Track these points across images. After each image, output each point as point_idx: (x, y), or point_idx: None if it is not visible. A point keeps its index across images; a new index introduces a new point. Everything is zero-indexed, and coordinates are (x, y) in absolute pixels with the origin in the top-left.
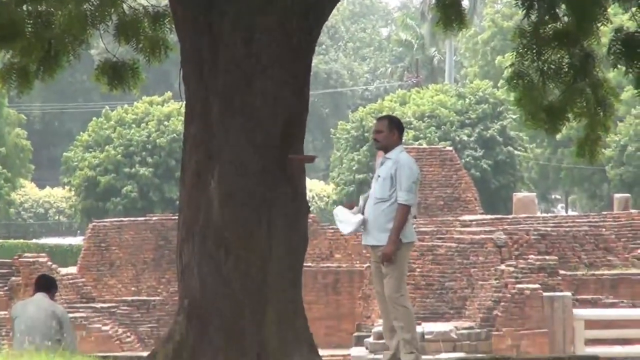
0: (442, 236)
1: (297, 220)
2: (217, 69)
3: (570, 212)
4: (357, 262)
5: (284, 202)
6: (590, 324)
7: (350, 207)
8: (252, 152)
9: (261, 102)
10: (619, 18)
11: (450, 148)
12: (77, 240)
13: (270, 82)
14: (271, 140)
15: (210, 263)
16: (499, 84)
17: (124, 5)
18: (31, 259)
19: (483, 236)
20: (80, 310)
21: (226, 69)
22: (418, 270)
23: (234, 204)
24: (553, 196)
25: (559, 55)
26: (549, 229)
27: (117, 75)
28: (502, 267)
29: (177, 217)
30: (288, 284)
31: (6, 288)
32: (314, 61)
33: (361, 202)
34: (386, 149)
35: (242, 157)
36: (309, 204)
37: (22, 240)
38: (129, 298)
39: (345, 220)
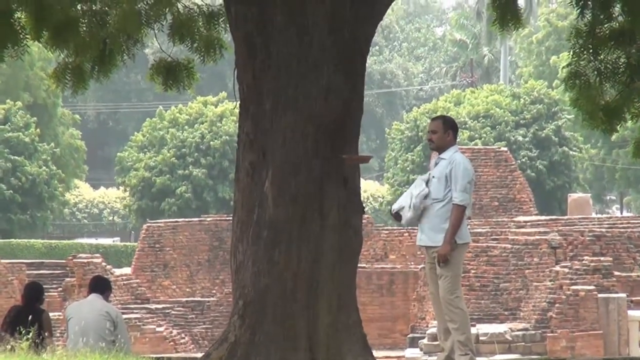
0: (497, 237)
1: (351, 220)
2: (271, 67)
3: (625, 213)
4: (412, 263)
5: (338, 202)
6: None
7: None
8: (306, 151)
9: (315, 100)
10: None
11: (505, 148)
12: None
13: (323, 79)
14: (325, 139)
15: (264, 262)
16: (553, 84)
17: (179, 5)
18: (85, 260)
19: (538, 237)
20: (135, 311)
21: (279, 66)
22: (473, 271)
23: (288, 203)
24: (608, 197)
25: (615, 55)
26: (603, 230)
27: (171, 75)
28: (557, 268)
29: (231, 218)
30: (342, 283)
31: (60, 289)
32: (369, 61)
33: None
34: (440, 149)
35: (296, 156)
36: (364, 205)
37: (76, 241)
38: (183, 299)
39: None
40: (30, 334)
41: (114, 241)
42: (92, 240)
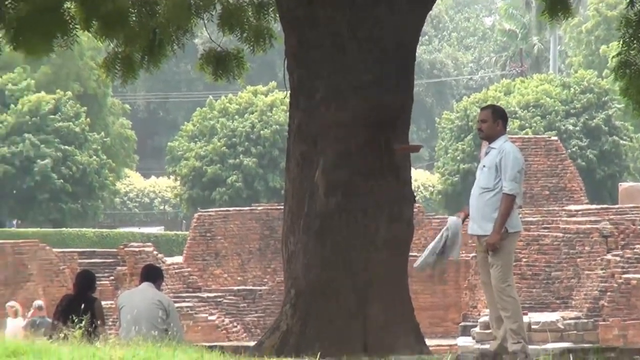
0: (548, 226)
1: (402, 209)
2: (322, 58)
3: None
4: (463, 251)
5: (389, 191)
6: None
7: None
8: (356, 141)
9: (366, 90)
10: None
11: (556, 138)
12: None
13: (374, 70)
14: (376, 129)
15: (315, 251)
16: (603, 73)
17: None
18: (137, 249)
19: (589, 226)
20: (187, 299)
21: (330, 57)
22: (524, 260)
23: (339, 193)
24: None
25: None
26: None
27: (221, 64)
28: (608, 257)
29: (282, 207)
30: (393, 272)
31: (112, 277)
32: (418, 51)
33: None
34: (490, 139)
35: (346, 146)
36: (414, 194)
37: (127, 230)
38: (235, 288)
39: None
40: (83, 322)
41: (164, 229)
42: (135, 229)
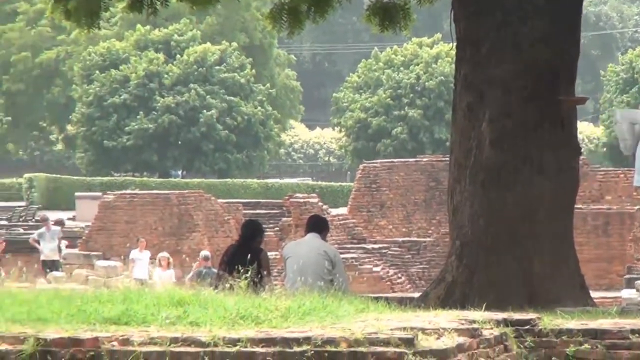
0: None
1: (568, 161)
2: (489, 11)
3: None
4: (628, 204)
5: (554, 142)
6: None
7: None
8: (522, 93)
9: (532, 43)
10: None
11: None
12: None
13: (541, 22)
14: (542, 81)
15: (482, 202)
16: None
17: None
18: (302, 200)
19: None
20: (351, 251)
21: (497, 10)
22: None
23: (505, 144)
24: None
25: None
26: None
27: (388, 16)
28: None
29: (447, 159)
30: (559, 224)
31: (277, 228)
32: (584, 3)
33: None
34: None
35: (512, 98)
36: (579, 146)
37: (292, 181)
38: (400, 239)
39: None
40: (249, 272)
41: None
42: (277, 180)
